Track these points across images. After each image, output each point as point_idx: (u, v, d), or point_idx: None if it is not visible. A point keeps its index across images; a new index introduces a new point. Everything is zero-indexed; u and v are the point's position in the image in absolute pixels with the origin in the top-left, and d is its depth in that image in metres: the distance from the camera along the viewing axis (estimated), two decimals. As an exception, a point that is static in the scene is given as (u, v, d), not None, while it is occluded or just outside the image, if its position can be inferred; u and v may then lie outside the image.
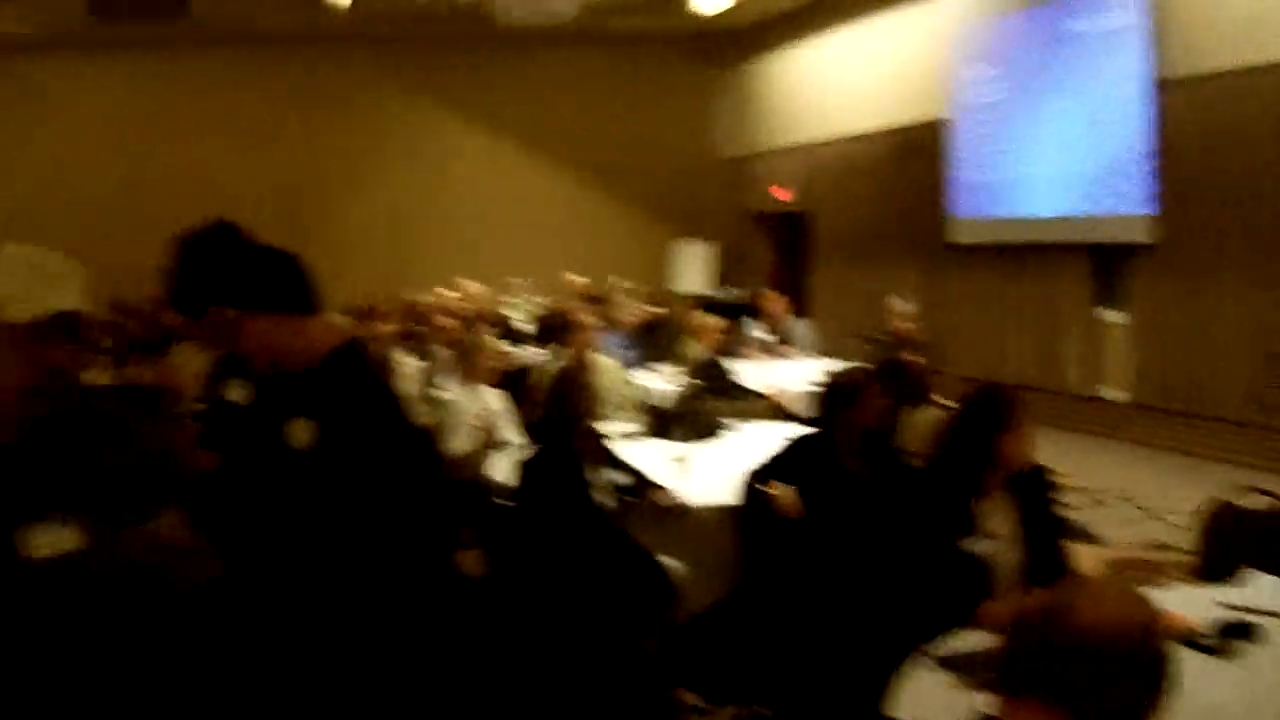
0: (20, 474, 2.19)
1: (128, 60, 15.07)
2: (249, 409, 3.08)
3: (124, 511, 2.26)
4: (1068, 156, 10.83)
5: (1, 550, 2.09)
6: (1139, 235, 10.01)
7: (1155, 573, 4.78)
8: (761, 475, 4.80)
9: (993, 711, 1.77)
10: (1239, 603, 3.43)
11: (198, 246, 3.24)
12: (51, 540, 2.15)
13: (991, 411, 3.77)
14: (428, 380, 7.09)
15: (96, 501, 2.23)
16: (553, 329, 7.92)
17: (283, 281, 2.76)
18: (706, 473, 5.41)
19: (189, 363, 6.92)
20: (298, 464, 2.64)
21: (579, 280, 12.29)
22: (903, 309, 8.93)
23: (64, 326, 2.25)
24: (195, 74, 15.26)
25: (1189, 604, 3.34)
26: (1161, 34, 9.70)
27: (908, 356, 6.72)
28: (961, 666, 2.92)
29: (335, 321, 2.92)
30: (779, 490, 4.65)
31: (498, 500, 5.52)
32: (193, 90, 15.26)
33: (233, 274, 2.77)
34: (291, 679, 2.54)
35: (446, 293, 11.86)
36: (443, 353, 7.37)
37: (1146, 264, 10.05)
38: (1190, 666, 2.58)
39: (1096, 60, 10.42)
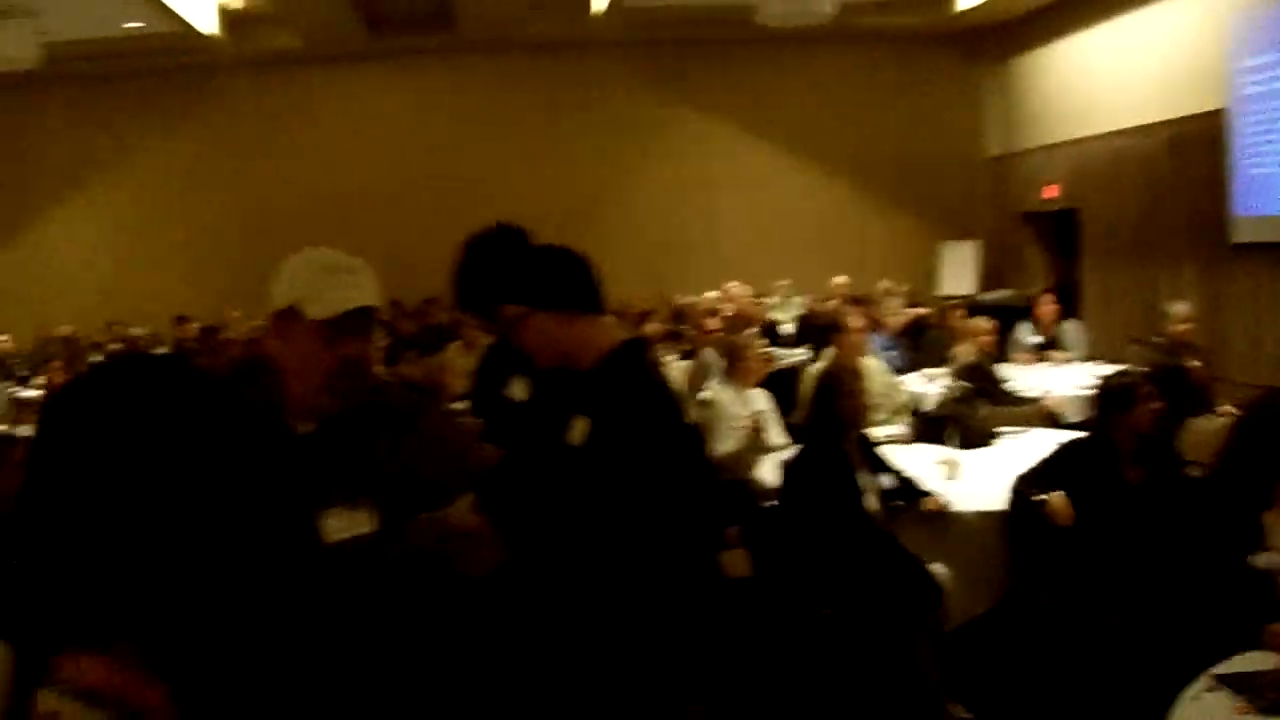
0: (318, 462, 2.30)
1: (396, 70, 15.76)
2: (528, 405, 3.18)
3: (415, 499, 2.36)
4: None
5: (302, 532, 2.15)
6: None
7: None
8: (1031, 481, 4.75)
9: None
10: None
11: (486, 247, 3.43)
12: (345, 525, 2.26)
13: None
14: (694, 381, 7.26)
15: (389, 489, 2.34)
16: (818, 330, 7.96)
17: (571, 281, 2.84)
18: (975, 478, 5.37)
19: (456, 361, 7.34)
20: (573, 460, 2.72)
21: (842, 281, 12.28)
22: (1180, 311, 8.59)
23: (359, 322, 2.34)
24: (461, 82, 15.76)
25: None
26: None
27: (1188, 362, 6.49)
28: (1246, 688, 2.82)
29: (610, 322, 3.01)
30: (1050, 497, 4.60)
31: (762, 501, 5.60)
32: (459, 98, 15.75)
33: (523, 272, 2.87)
34: (563, 665, 2.63)
35: (710, 294, 12.05)
36: (709, 354, 7.53)
37: None
38: None
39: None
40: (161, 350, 10.61)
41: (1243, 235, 11.51)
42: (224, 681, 1.32)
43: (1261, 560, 3.53)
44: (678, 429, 2.91)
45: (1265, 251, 11.28)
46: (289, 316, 2.33)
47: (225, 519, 1.33)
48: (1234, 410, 4.76)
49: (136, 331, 12.59)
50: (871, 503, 4.88)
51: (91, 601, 1.29)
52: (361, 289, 2.35)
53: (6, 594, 2.98)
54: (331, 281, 2.33)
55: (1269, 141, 11.17)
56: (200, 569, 1.31)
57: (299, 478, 2.14)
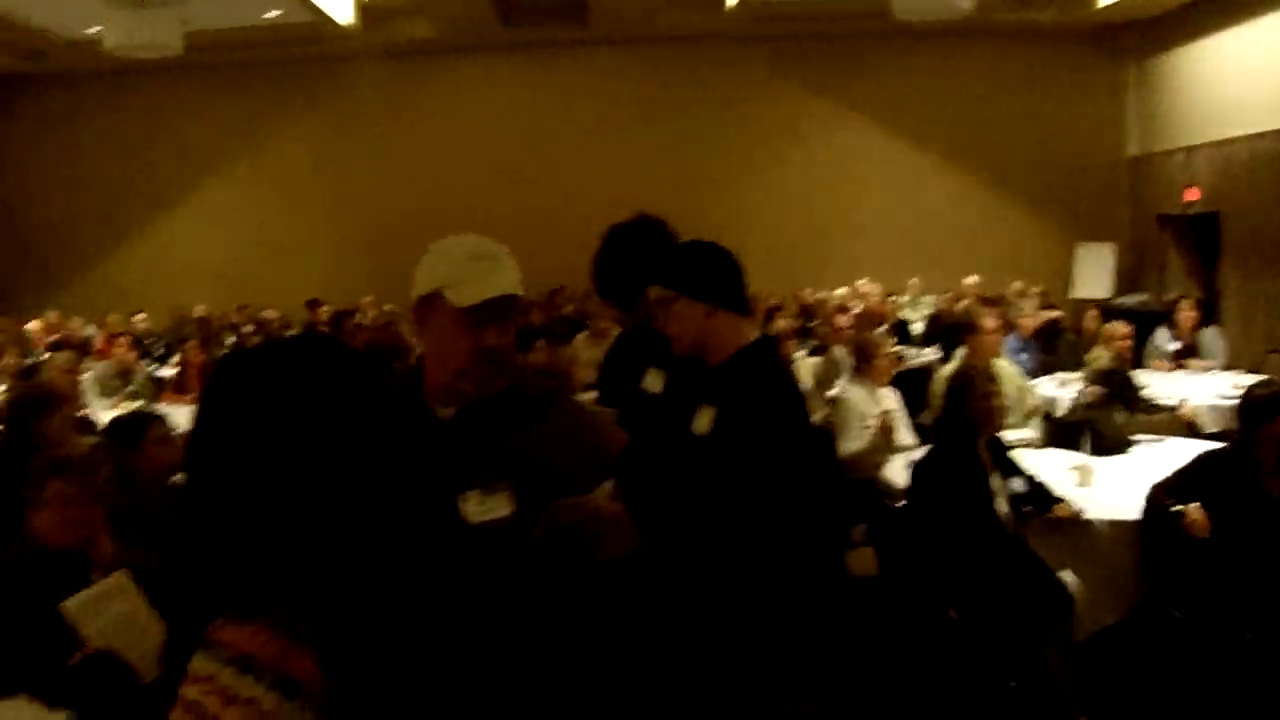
0: (457, 447, 2.31)
1: (529, 62, 15.89)
2: (661, 397, 3.22)
3: (551, 485, 2.34)
4: None
5: (444, 513, 2.20)
6: None
7: None
8: (1168, 491, 4.67)
9: None
10: None
11: (632, 234, 3.52)
12: (483, 509, 2.26)
13: None
14: (823, 379, 7.25)
15: (526, 475, 2.32)
16: (949, 330, 7.87)
17: (720, 275, 2.95)
18: (1108, 486, 5.29)
19: (583, 352, 7.43)
20: (698, 449, 2.80)
21: (975, 281, 12.13)
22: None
23: (501, 310, 2.31)
24: (593, 75, 15.88)
25: None
26: None
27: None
28: None
29: (747, 322, 3.07)
30: (1188, 508, 4.52)
31: (893, 502, 5.57)
32: (591, 90, 15.89)
33: (676, 258, 2.99)
34: (690, 652, 2.68)
35: (840, 290, 11.99)
36: (839, 352, 7.52)
37: None
38: None
39: None
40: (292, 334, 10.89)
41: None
42: (372, 653, 1.36)
43: None
44: (801, 426, 2.97)
45: None
46: (431, 302, 2.33)
47: (377, 494, 1.37)
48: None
49: (269, 314, 12.94)
50: (1002, 507, 4.83)
51: (248, 571, 1.33)
52: (504, 276, 2.33)
53: (162, 564, 3.14)
54: (475, 269, 2.32)
55: None
56: (352, 542, 1.35)
57: (440, 460, 2.23)
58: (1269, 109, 12.72)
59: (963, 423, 4.87)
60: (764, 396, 2.85)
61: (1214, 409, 6.99)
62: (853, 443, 6.09)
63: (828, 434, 6.17)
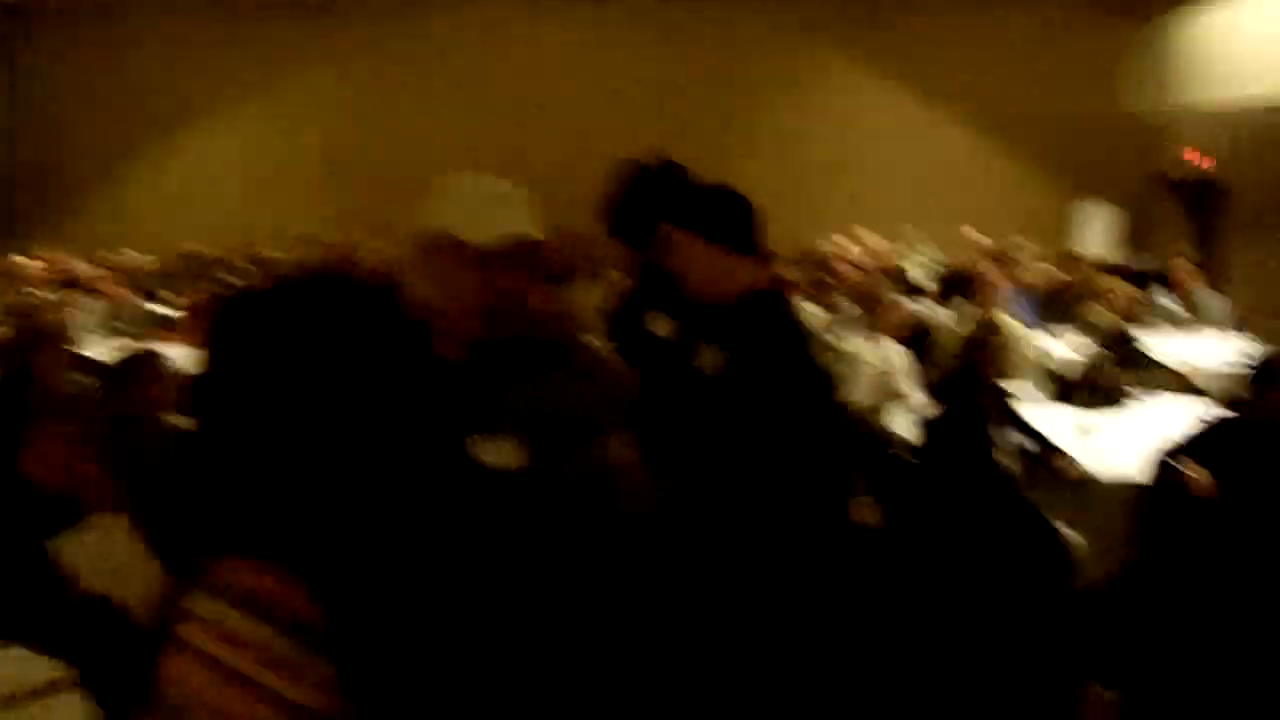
0: (467, 391, 2.18)
1: (535, 6, 15.72)
2: (669, 342, 3.20)
3: (565, 433, 2.33)
4: None
5: (452, 454, 2.06)
6: None
7: None
8: (1177, 454, 4.65)
9: None
10: None
11: (646, 172, 3.47)
12: (492, 456, 2.17)
13: None
14: (830, 329, 7.20)
15: (538, 423, 2.27)
16: (958, 285, 7.82)
17: (735, 217, 2.92)
18: (1112, 444, 5.27)
19: (586, 296, 7.35)
20: (705, 389, 2.79)
21: (981, 237, 12.03)
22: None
23: (516, 251, 2.20)
24: (591, 17, 15.71)
25: None
26: None
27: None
28: None
29: (759, 267, 3.03)
30: (1195, 471, 4.49)
31: (896, 453, 5.56)
32: (596, 34, 15.75)
33: (691, 197, 2.96)
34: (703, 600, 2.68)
35: (846, 242, 11.87)
36: (846, 303, 7.45)
37: None
38: None
39: None
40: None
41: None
42: (375, 600, 1.33)
43: None
44: (809, 370, 2.96)
45: None
46: (442, 240, 2.19)
47: (384, 434, 1.35)
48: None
49: (267, 253, 12.81)
50: (1007, 460, 4.81)
51: (252, 512, 1.30)
52: (522, 218, 2.23)
53: (157, 501, 3.08)
54: (488, 207, 2.22)
55: None
56: (357, 480, 1.33)
57: (449, 403, 2.11)
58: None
59: (970, 376, 4.85)
60: (774, 339, 2.86)
61: (1217, 373, 6.94)
62: (856, 394, 6.06)
63: (833, 379, 6.13)
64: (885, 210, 14.32)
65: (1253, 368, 4.65)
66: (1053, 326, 8.32)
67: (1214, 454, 4.50)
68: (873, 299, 6.42)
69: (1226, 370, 6.74)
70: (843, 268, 8.78)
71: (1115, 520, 4.85)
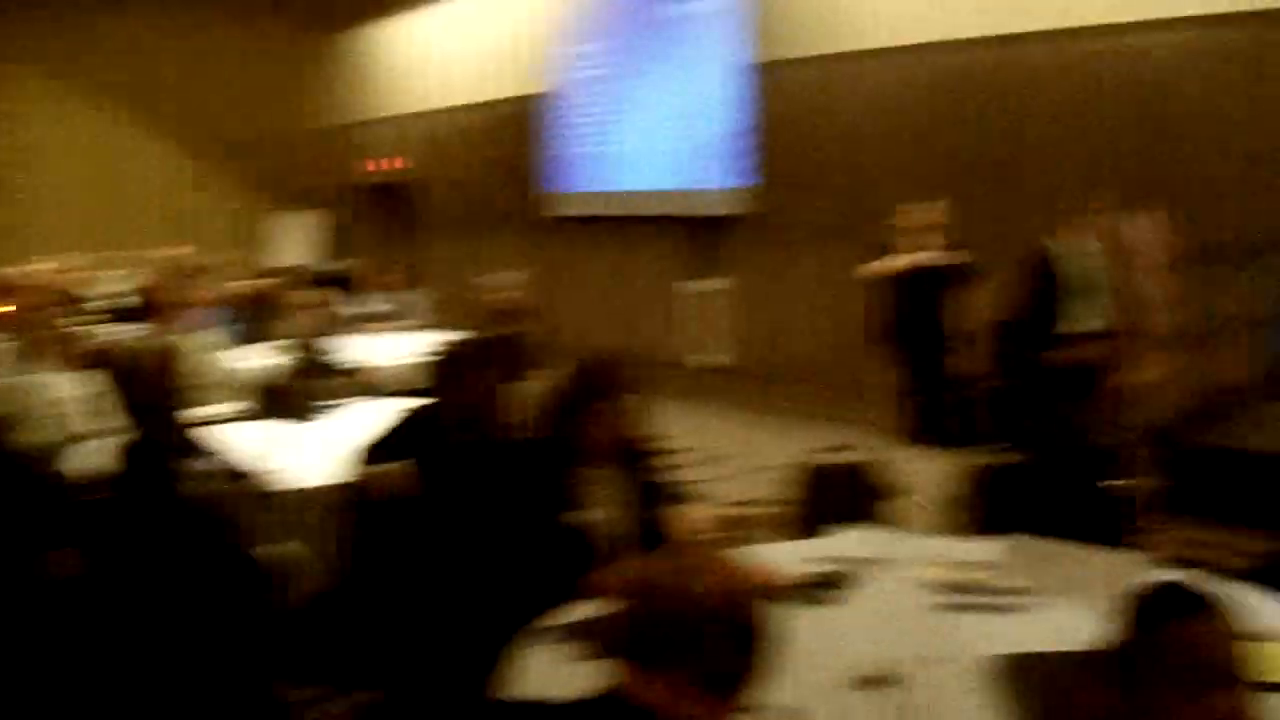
0: None
1: None
2: None
3: None
4: (666, 133, 11.19)
5: None
6: (733, 208, 10.51)
7: (754, 527, 4.99)
8: (373, 451, 4.64)
9: (612, 680, 1.81)
10: (829, 554, 3.62)
11: None
12: None
13: (592, 382, 3.79)
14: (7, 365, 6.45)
15: None
16: (147, 306, 7.43)
17: None
18: (310, 453, 5.24)
19: None
20: None
21: (174, 253, 11.56)
22: (509, 280, 8.90)
23: None
24: None
25: (785, 557, 3.52)
26: (757, 19, 10.23)
27: (515, 328, 6.73)
28: (579, 635, 2.94)
29: None
30: (388, 467, 4.50)
31: (87, 495, 5.08)
32: None
33: None
34: None
35: (17, 272, 10.82)
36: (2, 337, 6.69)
37: (742, 236, 10.58)
38: (790, 617, 2.67)
39: (695, 41, 10.82)
40: None
41: (558, 210, 12.42)
42: None
43: (579, 516, 3.65)
44: None
45: (577, 225, 12.26)
46: None
47: None
48: (553, 374, 4.91)
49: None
50: (197, 487, 4.58)
51: None
52: None
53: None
54: None
55: (583, 125, 12.07)
56: None
57: None
58: (454, 86, 13.63)
59: (145, 403, 4.53)
60: None
61: (398, 368, 7.17)
62: (33, 433, 5.47)
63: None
64: (78, 231, 13.50)
65: (435, 357, 4.76)
66: (254, 340, 8.19)
67: (407, 446, 4.55)
68: (36, 329, 5.81)
69: (411, 363, 6.99)
70: (14, 300, 7.90)
71: (327, 528, 4.79)
